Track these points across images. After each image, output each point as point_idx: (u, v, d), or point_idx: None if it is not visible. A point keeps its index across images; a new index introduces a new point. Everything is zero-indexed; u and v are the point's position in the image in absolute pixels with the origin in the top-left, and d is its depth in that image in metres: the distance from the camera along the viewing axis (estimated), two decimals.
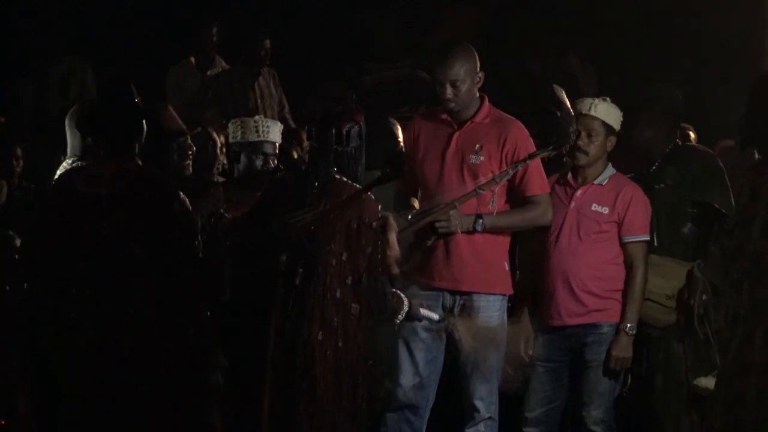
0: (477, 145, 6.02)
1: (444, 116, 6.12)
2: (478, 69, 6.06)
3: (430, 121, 6.17)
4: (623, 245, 6.20)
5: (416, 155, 6.12)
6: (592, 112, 6.21)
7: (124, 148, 5.20)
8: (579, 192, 6.26)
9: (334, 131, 5.50)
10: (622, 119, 6.30)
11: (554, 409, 6.28)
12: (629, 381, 6.38)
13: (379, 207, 5.50)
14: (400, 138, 5.80)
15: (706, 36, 9.60)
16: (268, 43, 9.56)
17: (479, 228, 5.94)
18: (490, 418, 6.04)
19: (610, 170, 6.29)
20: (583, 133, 6.20)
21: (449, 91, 5.98)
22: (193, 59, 9.76)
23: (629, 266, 6.18)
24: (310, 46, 10.00)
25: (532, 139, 6.09)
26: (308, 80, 9.56)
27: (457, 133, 6.07)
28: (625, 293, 6.17)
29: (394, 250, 5.32)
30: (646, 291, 6.24)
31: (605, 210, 6.20)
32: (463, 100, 6.03)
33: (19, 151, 7.48)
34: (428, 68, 9.79)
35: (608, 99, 6.30)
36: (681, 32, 9.72)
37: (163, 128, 6.25)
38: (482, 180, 5.96)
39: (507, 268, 6.13)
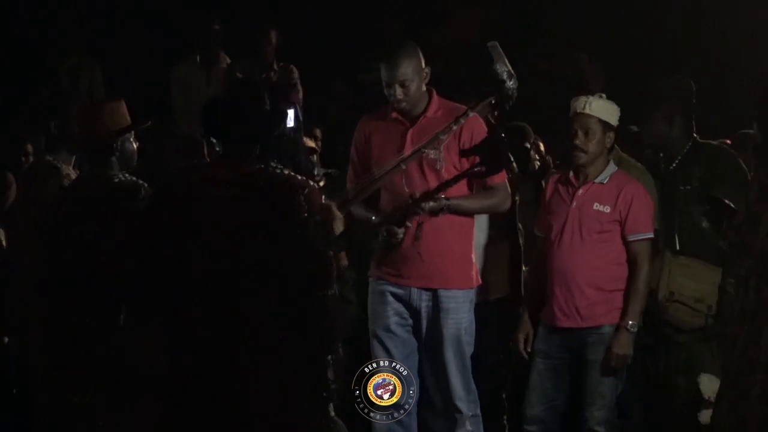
0: None
1: (394, 115, 6.06)
2: (424, 65, 6.03)
3: (381, 121, 6.11)
4: (627, 244, 6.14)
5: (370, 157, 6.08)
6: (587, 110, 6.14)
7: (245, 151, 5.04)
8: (581, 191, 6.20)
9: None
10: (619, 114, 6.22)
11: (555, 406, 6.23)
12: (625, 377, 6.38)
13: (323, 198, 5.50)
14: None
15: (710, 36, 9.66)
16: (274, 35, 9.41)
17: (445, 206, 5.89)
18: (474, 415, 6.04)
19: (612, 168, 6.23)
20: (580, 132, 6.14)
21: (399, 92, 5.94)
22: (197, 56, 9.74)
23: (633, 264, 6.12)
24: (315, 43, 10.03)
25: (484, 121, 6.07)
26: (312, 78, 9.59)
27: (410, 130, 6.01)
28: (628, 290, 6.11)
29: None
30: (676, 293, 6.21)
31: (607, 209, 6.14)
32: (414, 98, 5.98)
33: (29, 148, 7.50)
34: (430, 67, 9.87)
35: (604, 95, 6.24)
36: (684, 32, 9.79)
37: None
38: (444, 174, 5.93)
39: (474, 260, 6.11)
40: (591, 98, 6.18)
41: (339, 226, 5.52)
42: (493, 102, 6.06)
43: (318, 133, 8.12)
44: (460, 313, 6.00)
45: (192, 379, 4.95)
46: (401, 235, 5.94)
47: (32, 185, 6.34)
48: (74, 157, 6.34)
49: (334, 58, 10.05)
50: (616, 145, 6.47)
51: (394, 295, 6.05)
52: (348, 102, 10.32)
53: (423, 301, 6.02)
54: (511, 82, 6.04)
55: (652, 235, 6.18)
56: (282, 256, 4.98)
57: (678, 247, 6.32)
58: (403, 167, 5.90)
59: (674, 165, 6.45)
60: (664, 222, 6.35)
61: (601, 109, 6.16)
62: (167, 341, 5.01)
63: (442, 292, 5.99)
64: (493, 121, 6.35)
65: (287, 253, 4.99)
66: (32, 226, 6.13)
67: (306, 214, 5.02)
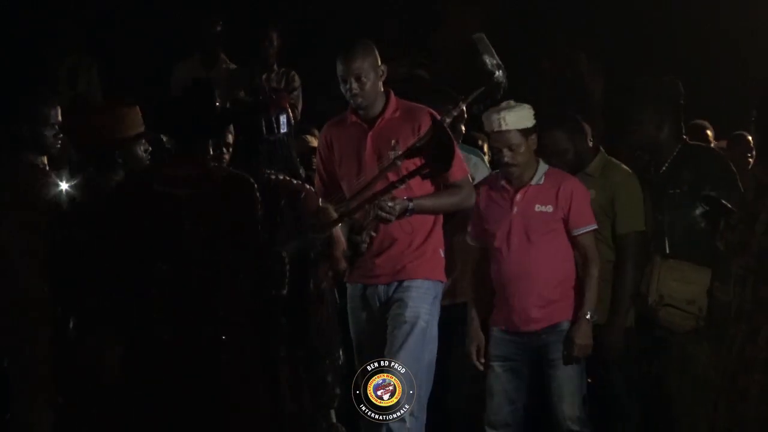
0: (393, 141, 5.96)
1: (353, 119, 6.06)
2: (380, 62, 6.01)
3: (341, 126, 6.11)
4: (573, 239, 6.12)
5: (334, 162, 6.09)
6: (504, 127, 6.07)
7: (198, 149, 5.11)
8: (518, 196, 6.15)
9: (263, 119, 5.58)
10: (533, 112, 6.14)
11: (518, 409, 6.19)
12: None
13: (320, 200, 5.49)
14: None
15: (710, 36, 9.66)
16: (275, 36, 9.42)
17: (408, 207, 5.87)
18: (411, 414, 5.88)
19: (543, 167, 6.18)
20: (505, 150, 6.09)
21: (355, 86, 5.93)
22: (198, 56, 9.73)
23: (583, 257, 6.12)
24: (315, 43, 10.02)
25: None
26: (312, 78, 9.58)
27: (370, 133, 6.00)
28: (582, 282, 6.10)
29: (340, 243, 5.29)
30: (666, 296, 6.17)
31: (549, 208, 6.11)
32: (370, 95, 5.97)
33: None
34: (428, 66, 9.87)
35: (512, 102, 6.15)
36: (684, 32, 9.78)
37: None
38: (402, 170, 5.91)
39: (442, 254, 6.10)
40: (502, 113, 6.09)
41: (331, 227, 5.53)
42: (483, 94, 6.05)
43: (316, 132, 8.13)
44: (419, 303, 5.95)
45: (153, 382, 4.97)
46: (366, 245, 5.94)
47: (16, 188, 6.33)
48: (42, 157, 6.34)
49: (333, 58, 10.03)
50: (601, 148, 6.47)
51: (367, 296, 6.05)
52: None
53: (389, 294, 6.00)
54: (500, 73, 6.03)
55: (596, 226, 6.15)
56: (238, 253, 5.03)
57: (668, 251, 6.28)
58: (392, 171, 5.90)
59: (664, 169, 6.38)
60: (654, 225, 6.32)
61: (515, 119, 6.10)
62: (127, 347, 5.01)
63: (407, 282, 5.97)
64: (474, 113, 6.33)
65: (243, 250, 5.04)
66: (22, 227, 6.15)
67: (260, 211, 5.09)
